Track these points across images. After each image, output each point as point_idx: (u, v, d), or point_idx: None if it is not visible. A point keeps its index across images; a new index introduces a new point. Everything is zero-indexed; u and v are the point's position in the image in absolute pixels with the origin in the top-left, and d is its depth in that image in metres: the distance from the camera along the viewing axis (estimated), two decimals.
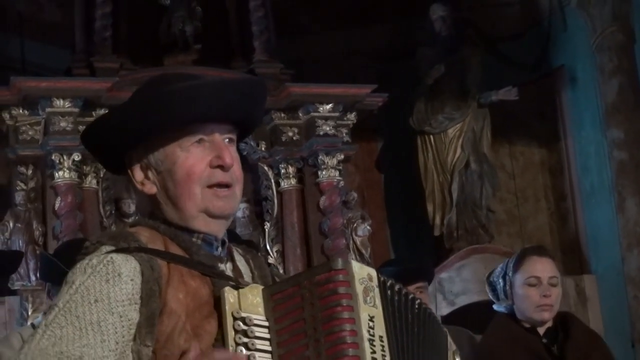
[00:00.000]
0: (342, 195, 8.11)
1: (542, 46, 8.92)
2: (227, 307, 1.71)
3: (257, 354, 1.72)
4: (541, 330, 3.48)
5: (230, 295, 1.73)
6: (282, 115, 8.07)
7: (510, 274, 3.52)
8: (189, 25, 8.11)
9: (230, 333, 1.72)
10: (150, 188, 1.91)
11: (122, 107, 1.94)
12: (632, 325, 7.71)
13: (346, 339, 1.68)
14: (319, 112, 8.02)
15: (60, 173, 7.40)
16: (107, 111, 2.62)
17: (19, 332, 3.59)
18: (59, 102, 7.44)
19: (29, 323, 6.09)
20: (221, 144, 1.89)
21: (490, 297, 3.63)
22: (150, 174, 1.91)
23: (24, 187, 7.57)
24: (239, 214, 7.75)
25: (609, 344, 3.70)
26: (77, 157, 7.39)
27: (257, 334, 1.71)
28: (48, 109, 7.45)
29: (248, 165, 7.81)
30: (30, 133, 7.59)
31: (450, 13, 8.84)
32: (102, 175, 7.64)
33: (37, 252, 7.12)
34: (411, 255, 8.20)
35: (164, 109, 1.85)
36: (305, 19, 9.16)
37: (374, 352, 1.69)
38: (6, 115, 7.58)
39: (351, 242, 8.10)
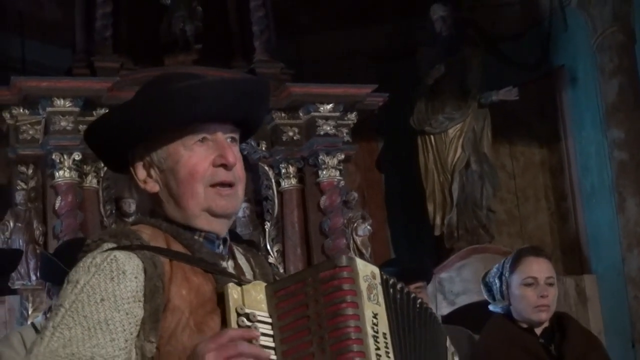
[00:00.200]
0: (342, 195, 8.12)
1: (543, 46, 8.91)
2: (231, 303, 1.71)
3: None
4: (538, 331, 3.47)
5: (234, 292, 1.72)
6: (283, 115, 8.07)
7: (506, 275, 3.51)
8: (189, 25, 8.12)
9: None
10: (153, 186, 1.91)
11: (125, 105, 1.94)
12: (633, 325, 7.70)
13: (351, 335, 1.67)
14: (319, 112, 8.02)
15: (61, 172, 7.41)
16: (108, 110, 2.62)
17: (19, 332, 3.58)
18: (60, 102, 7.44)
19: (29, 322, 6.09)
20: (224, 143, 1.88)
21: (486, 297, 3.63)
22: (152, 172, 1.91)
23: (25, 187, 7.57)
24: (240, 213, 7.74)
25: (609, 344, 3.72)
26: (77, 156, 7.39)
27: (261, 330, 1.70)
28: (48, 109, 7.45)
29: (249, 165, 7.81)
30: (30, 133, 7.59)
31: (450, 13, 8.84)
32: (102, 175, 7.65)
33: (38, 251, 7.12)
34: (411, 255, 8.21)
35: (166, 108, 1.85)
36: (306, 19, 9.15)
37: (377, 348, 1.69)
38: (6, 115, 7.58)
39: (352, 241, 8.10)
